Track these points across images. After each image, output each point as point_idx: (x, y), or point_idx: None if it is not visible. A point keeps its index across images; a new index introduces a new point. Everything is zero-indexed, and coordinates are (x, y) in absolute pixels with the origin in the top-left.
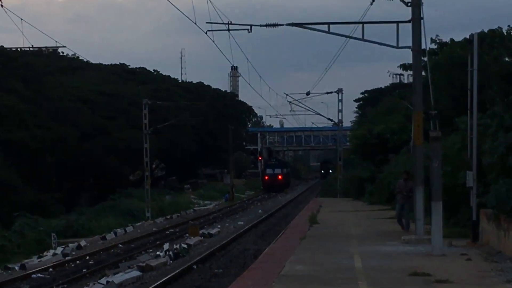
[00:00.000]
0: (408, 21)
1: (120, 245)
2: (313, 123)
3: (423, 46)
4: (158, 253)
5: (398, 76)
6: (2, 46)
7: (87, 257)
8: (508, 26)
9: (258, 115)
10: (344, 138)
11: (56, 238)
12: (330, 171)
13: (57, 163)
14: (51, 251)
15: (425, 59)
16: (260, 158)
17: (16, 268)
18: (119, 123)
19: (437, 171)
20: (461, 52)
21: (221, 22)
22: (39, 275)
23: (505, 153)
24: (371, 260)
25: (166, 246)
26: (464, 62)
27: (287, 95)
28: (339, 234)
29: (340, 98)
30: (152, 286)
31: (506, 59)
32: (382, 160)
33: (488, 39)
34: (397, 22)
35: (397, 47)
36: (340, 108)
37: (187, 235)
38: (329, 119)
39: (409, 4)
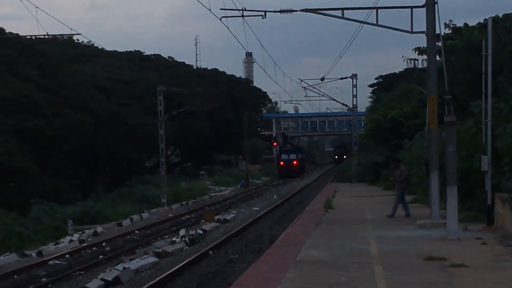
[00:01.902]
0: (422, 6)
1: (136, 231)
2: (327, 108)
3: (437, 31)
4: (174, 239)
5: (412, 61)
6: (18, 34)
7: (104, 244)
8: None
9: (272, 101)
10: (359, 123)
11: (72, 224)
12: (344, 156)
13: (73, 150)
14: (68, 238)
15: (440, 44)
16: (275, 144)
17: (33, 254)
18: (135, 110)
19: (452, 155)
20: (479, 36)
21: (236, 8)
22: (55, 261)
23: None
24: (386, 244)
25: (182, 232)
26: (481, 46)
27: (301, 80)
28: (354, 219)
29: (354, 83)
30: (168, 272)
31: None
32: (396, 145)
33: (502, 23)
34: (411, 7)
35: (411, 32)
36: (354, 93)
37: (203, 221)
38: (343, 104)
39: None
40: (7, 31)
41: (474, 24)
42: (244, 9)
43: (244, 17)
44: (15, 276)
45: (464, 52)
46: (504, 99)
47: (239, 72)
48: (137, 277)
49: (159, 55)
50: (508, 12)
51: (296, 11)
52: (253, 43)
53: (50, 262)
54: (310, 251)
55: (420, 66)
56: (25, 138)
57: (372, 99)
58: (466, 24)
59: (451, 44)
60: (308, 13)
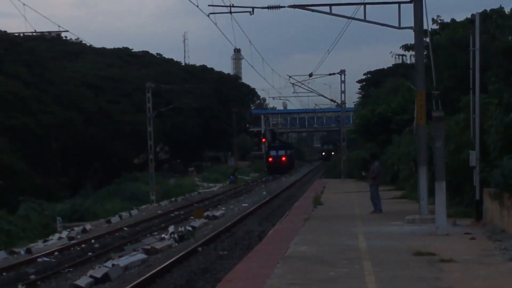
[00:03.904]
0: (410, 2)
1: (125, 228)
2: (316, 104)
3: (424, 27)
4: (163, 235)
5: (400, 57)
6: (5, 31)
7: (93, 241)
8: None
9: (261, 97)
10: (348, 119)
11: (61, 222)
12: (332, 153)
13: (62, 148)
14: (57, 235)
15: (427, 39)
16: (263, 140)
17: (22, 252)
18: (123, 107)
19: (440, 151)
20: (463, 33)
21: (223, 4)
22: (44, 258)
23: (506, 126)
24: (375, 240)
25: (171, 228)
26: (466, 42)
27: (289, 77)
28: (344, 215)
29: (343, 79)
30: (157, 269)
31: (510, 37)
32: (385, 141)
33: (492, 17)
34: (399, 3)
35: (399, 27)
36: (343, 89)
37: (192, 217)
38: (332, 100)
39: None
40: None
41: (462, 20)
42: (232, 5)
43: (232, 14)
44: (4, 274)
45: (448, 48)
46: (491, 93)
47: (227, 68)
48: (126, 274)
49: (147, 52)
50: (496, 7)
51: (284, 7)
52: (242, 40)
53: (39, 260)
54: (299, 247)
55: (408, 62)
56: (13, 135)
57: (360, 95)
58: (453, 20)
59: (436, 40)
60: (296, 9)
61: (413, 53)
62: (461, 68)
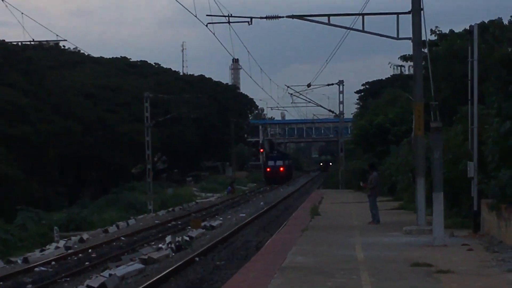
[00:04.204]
0: (408, 12)
1: (123, 238)
2: (314, 115)
3: (423, 37)
4: (160, 245)
5: (399, 67)
6: (4, 40)
7: (90, 250)
8: (511, 16)
9: (259, 107)
10: (346, 130)
11: (58, 231)
12: (330, 163)
13: (60, 157)
14: (54, 245)
15: (426, 50)
16: (261, 150)
17: (19, 261)
18: (121, 116)
19: (438, 162)
20: (460, 44)
21: (222, 14)
22: (41, 268)
23: (504, 136)
24: (373, 251)
25: (168, 238)
26: (463, 53)
27: (288, 87)
28: (341, 225)
29: (341, 89)
30: (154, 279)
31: (509, 49)
32: (383, 151)
33: (491, 29)
34: (397, 14)
35: (398, 38)
36: (341, 100)
37: (189, 227)
38: (330, 111)
39: None
40: None
41: (461, 31)
42: (230, 15)
43: (230, 23)
44: (1, 283)
45: (446, 60)
46: (489, 104)
47: (225, 78)
48: (123, 284)
49: (145, 62)
50: (494, 19)
51: (282, 17)
52: (240, 50)
53: (36, 269)
54: (296, 257)
55: (406, 73)
56: (11, 144)
57: (358, 106)
58: (452, 31)
59: (434, 52)
60: (294, 19)
61: (412, 63)
62: (458, 79)
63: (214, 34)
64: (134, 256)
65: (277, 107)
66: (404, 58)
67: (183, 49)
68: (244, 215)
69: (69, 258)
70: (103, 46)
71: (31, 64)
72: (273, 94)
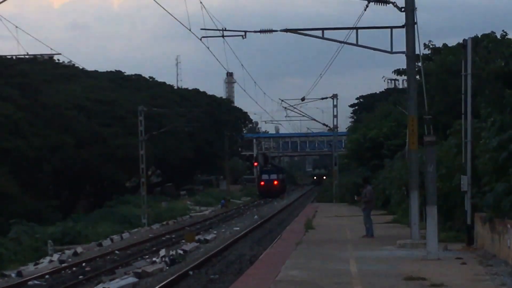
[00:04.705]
0: (402, 26)
1: (117, 252)
2: (308, 128)
3: (417, 51)
4: (154, 259)
5: (393, 81)
6: None
7: (84, 264)
8: (503, 30)
9: (253, 121)
10: (340, 144)
11: (52, 245)
12: (324, 177)
13: (54, 171)
14: (48, 258)
15: (419, 64)
16: (255, 164)
17: (13, 275)
18: (115, 130)
19: (431, 175)
20: (452, 59)
21: (216, 28)
22: (35, 282)
23: (497, 148)
24: (366, 264)
25: (162, 252)
26: (455, 68)
27: (282, 101)
28: (335, 239)
29: (335, 103)
30: None
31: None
32: (377, 165)
33: (484, 43)
34: (391, 28)
35: (391, 52)
36: (335, 113)
37: (183, 241)
38: (324, 124)
39: (402, 9)
40: None
41: (454, 45)
42: (224, 29)
43: (225, 37)
44: None
45: (439, 74)
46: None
47: (220, 92)
48: None
49: (140, 75)
50: (487, 32)
51: (276, 31)
52: (234, 63)
53: (30, 283)
54: (290, 271)
55: (400, 86)
56: (5, 158)
57: (352, 119)
58: (445, 45)
59: (427, 66)
60: (288, 33)
61: (405, 77)
62: (452, 93)
63: (208, 48)
64: (128, 269)
65: (271, 120)
66: (398, 72)
67: (177, 62)
68: (238, 228)
69: (63, 271)
70: (97, 59)
71: (25, 78)
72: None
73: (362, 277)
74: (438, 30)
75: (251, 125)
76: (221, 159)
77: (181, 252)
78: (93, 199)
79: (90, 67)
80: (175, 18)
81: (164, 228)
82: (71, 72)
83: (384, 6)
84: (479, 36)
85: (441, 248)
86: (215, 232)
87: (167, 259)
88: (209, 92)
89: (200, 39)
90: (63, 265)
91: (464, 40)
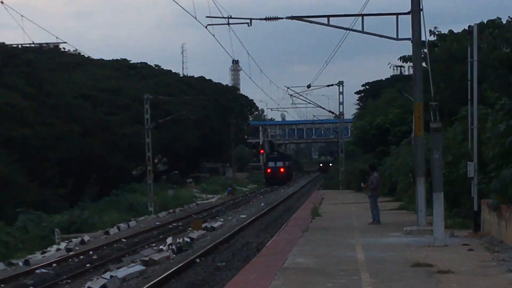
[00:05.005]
0: (408, 13)
1: (124, 240)
2: (314, 115)
3: (422, 38)
4: (161, 247)
5: (399, 68)
6: (3, 43)
7: (91, 252)
8: (509, 16)
9: (259, 108)
10: (346, 131)
11: (59, 233)
12: (330, 164)
13: (60, 159)
14: (55, 247)
15: (425, 50)
16: (262, 151)
17: (20, 263)
18: (121, 118)
19: (438, 162)
20: (458, 46)
21: (221, 16)
22: (42, 270)
23: (504, 133)
24: (373, 251)
25: (169, 240)
26: (461, 55)
27: (288, 88)
28: (341, 226)
29: (341, 90)
30: (155, 280)
31: (504, 49)
32: (383, 152)
33: (489, 30)
34: (397, 14)
35: (397, 39)
36: (341, 100)
37: (190, 229)
38: (330, 111)
39: None
40: None
41: (459, 31)
42: (230, 16)
43: (230, 25)
44: (2, 285)
45: (445, 61)
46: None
47: (225, 80)
48: (124, 286)
49: (145, 64)
50: (493, 18)
51: (282, 18)
52: (240, 51)
53: (37, 271)
54: (297, 258)
55: (406, 73)
56: (11, 147)
57: (358, 106)
58: (451, 31)
59: (433, 53)
60: (294, 20)
61: (411, 64)
62: (458, 79)
63: (214, 35)
64: (135, 257)
65: (277, 108)
66: (404, 59)
67: (183, 50)
68: (244, 216)
69: (70, 260)
70: (103, 48)
71: (30, 67)
72: (273, 95)
73: (369, 264)
74: (444, 16)
75: (257, 112)
76: (227, 146)
77: (188, 240)
78: (99, 187)
79: (95, 56)
80: (181, 6)
81: (170, 216)
82: (76, 60)
83: None
84: (485, 22)
85: (448, 234)
86: (221, 219)
87: (174, 247)
88: (215, 80)
89: (206, 27)
90: (70, 253)
91: (469, 26)
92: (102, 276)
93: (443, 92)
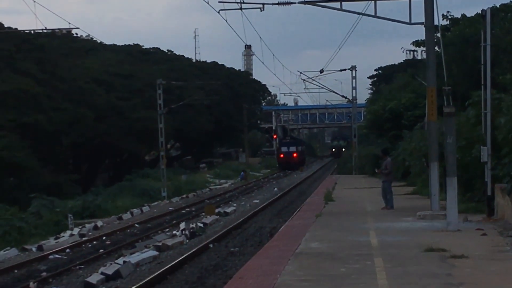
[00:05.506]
0: None
1: (137, 225)
2: (327, 100)
3: (435, 22)
4: (174, 232)
5: (411, 52)
6: (16, 28)
7: (104, 238)
8: None
9: (272, 93)
10: (359, 115)
11: (72, 219)
12: (343, 149)
13: (73, 144)
14: (68, 232)
15: (438, 35)
16: (275, 136)
17: (34, 249)
18: (134, 103)
19: (451, 146)
20: (470, 30)
21: (234, 1)
22: (56, 255)
23: None
24: (387, 236)
25: (182, 225)
26: (474, 39)
27: (300, 73)
28: (355, 211)
29: (354, 75)
30: (168, 265)
31: None
32: (396, 136)
33: (502, 14)
34: None
35: (410, 23)
36: (354, 85)
37: (203, 214)
38: (343, 96)
39: None
40: (5, 25)
41: (472, 15)
42: (242, 1)
43: (243, 10)
44: (16, 271)
45: (458, 45)
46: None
47: (238, 65)
48: (137, 271)
49: (158, 49)
50: (506, 2)
51: (294, 3)
52: (252, 36)
53: (51, 257)
54: (310, 243)
55: (419, 58)
56: (25, 133)
57: (371, 91)
58: (464, 15)
59: (446, 37)
60: (306, 5)
61: (424, 48)
62: (470, 64)
63: (226, 20)
64: (148, 243)
65: (290, 93)
66: (417, 43)
67: (195, 35)
68: (257, 201)
69: (83, 245)
70: (115, 33)
71: (43, 52)
72: (286, 80)
73: (382, 248)
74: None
75: (269, 97)
76: (240, 131)
77: (201, 225)
78: (112, 172)
79: (108, 41)
80: None
81: (183, 201)
82: (89, 46)
83: None
84: (498, 6)
85: (461, 219)
86: (234, 205)
87: (187, 232)
88: (228, 65)
89: (218, 12)
90: (83, 238)
91: (482, 10)
92: (116, 261)
93: (456, 76)
